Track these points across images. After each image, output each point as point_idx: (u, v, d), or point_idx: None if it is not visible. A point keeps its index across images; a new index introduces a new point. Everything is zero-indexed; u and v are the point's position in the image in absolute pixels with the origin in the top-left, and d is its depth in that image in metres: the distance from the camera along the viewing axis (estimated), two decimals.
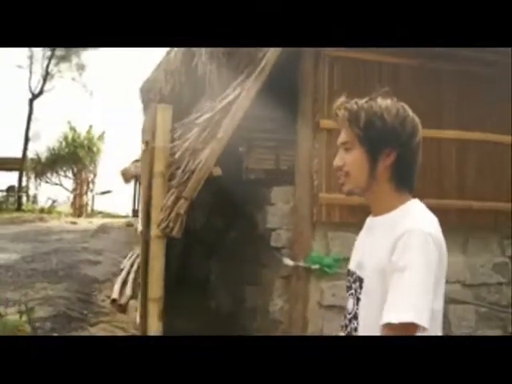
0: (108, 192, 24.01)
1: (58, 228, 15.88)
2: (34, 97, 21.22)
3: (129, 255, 10.22)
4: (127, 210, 24.57)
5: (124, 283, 6.39)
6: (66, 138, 21.95)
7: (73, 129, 22.23)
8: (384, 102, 1.38)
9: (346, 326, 1.44)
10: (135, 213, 23.71)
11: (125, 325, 4.88)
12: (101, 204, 24.44)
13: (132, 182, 23.81)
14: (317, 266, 3.30)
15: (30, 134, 21.27)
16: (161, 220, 3.06)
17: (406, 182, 1.40)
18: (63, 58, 21.10)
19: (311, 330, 3.40)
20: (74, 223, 17.92)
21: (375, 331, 1.26)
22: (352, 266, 1.47)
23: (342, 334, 1.47)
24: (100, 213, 23.19)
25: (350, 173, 1.40)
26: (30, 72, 21.29)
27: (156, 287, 3.20)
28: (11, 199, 22.28)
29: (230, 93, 3.05)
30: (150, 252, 3.20)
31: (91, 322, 4.81)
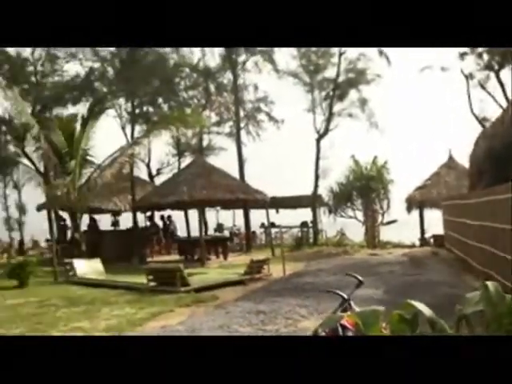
0: (393, 222, 23.46)
1: (372, 260, 15.89)
2: (320, 136, 22.55)
3: None
4: (412, 239, 23.70)
5: None
6: (354, 171, 22.52)
7: (356, 162, 22.70)
8: None
9: None
10: (423, 241, 22.53)
11: None
12: (385, 234, 23.99)
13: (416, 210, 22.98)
14: None
15: (319, 172, 22.55)
16: None
17: None
18: (342, 97, 22.00)
19: None
20: (375, 255, 17.77)
21: None
22: None
23: None
24: (388, 243, 22.67)
25: None
26: (314, 113, 22.87)
27: None
28: (305, 234, 23.86)
29: None
30: None
31: None
